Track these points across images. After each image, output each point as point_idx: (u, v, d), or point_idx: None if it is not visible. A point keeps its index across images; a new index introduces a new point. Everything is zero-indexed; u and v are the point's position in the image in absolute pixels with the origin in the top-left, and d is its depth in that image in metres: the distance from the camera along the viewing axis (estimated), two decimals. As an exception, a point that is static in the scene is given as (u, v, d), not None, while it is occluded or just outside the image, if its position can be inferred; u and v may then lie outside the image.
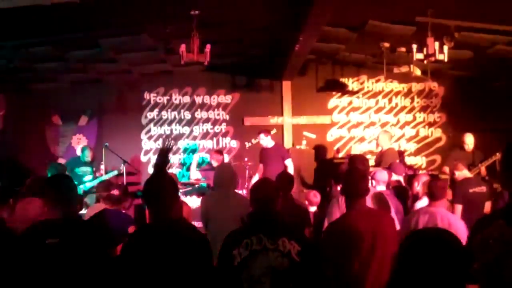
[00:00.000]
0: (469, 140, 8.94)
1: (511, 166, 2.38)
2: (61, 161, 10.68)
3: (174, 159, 11.32)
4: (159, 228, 3.41)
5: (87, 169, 9.90)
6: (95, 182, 9.14)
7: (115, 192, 5.91)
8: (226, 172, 5.83)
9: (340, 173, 5.42)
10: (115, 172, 9.64)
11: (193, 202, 8.87)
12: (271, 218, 3.50)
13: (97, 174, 9.79)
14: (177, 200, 3.63)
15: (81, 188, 9.12)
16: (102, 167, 9.99)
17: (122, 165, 9.72)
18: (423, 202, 6.47)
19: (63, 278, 3.43)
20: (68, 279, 3.44)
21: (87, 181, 9.41)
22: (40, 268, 3.45)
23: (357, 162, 6.17)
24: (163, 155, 5.39)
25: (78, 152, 10.54)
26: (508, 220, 2.20)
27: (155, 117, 11.57)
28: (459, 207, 6.77)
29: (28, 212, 4.89)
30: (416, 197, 6.72)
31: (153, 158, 11.39)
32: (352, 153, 10.89)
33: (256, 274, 3.29)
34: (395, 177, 7.32)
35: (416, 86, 11.47)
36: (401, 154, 10.83)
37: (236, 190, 6.34)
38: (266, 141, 9.65)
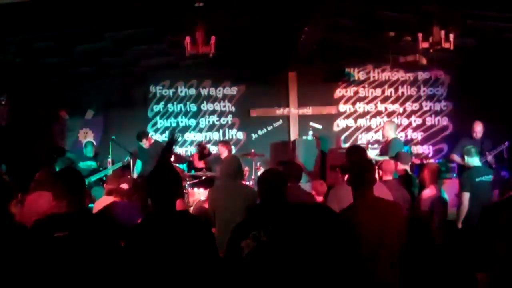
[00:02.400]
0: (478, 128, 8.96)
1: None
2: (69, 155, 10.72)
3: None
4: (162, 220, 3.42)
5: (92, 163, 9.98)
6: (100, 175, 9.22)
7: (125, 185, 5.92)
8: (233, 163, 5.83)
9: (347, 164, 5.39)
10: (119, 164, 9.68)
11: (200, 194, 8.89)
12: (279, 210, 3.50)
13: (102, 168, 9.84)
14: (181, 192, 3.63)
15: (87, 180, 9.16)
16: (109, 160, 10.03)
17: (128, 157, 9.75)
18: (430, 191, 6.49)
19: (72, 271, 3.46)
20: (76, 272, 3.46)
21: (93, 174, 9.46)
22: (49, 262, 3.47)
23: (355, 153, 6.08)
24: (169, 147, 5.40)
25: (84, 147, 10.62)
26: None
27: (161, 110, 11.60)
28: (466, 195, 6.79)
29: (37, 206, 4.92)
30: (423, 186, 6.72)
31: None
32: (359, 143, 10.89)
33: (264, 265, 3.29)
34: (401, 166, 7.31)
35: (422, 75, 11.43)
36: (408, 143, 10.83)
37: (243, 182, 6.36)
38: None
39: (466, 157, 7.25)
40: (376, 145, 10.27)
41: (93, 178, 9.31)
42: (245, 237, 3.34)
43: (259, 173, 9.87)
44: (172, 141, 6.93)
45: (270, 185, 3.59)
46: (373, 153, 9.07)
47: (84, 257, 3.47)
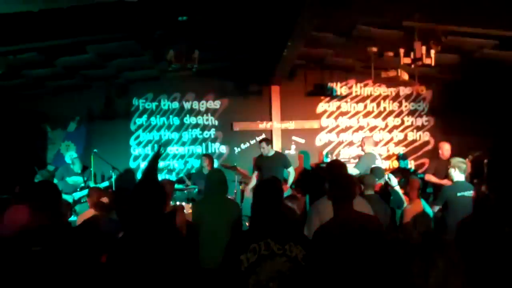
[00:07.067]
0: (445, 148, 9.11)
1: (496, 172, 2.40)
2: (50, 168, 10.65)
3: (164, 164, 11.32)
4: (146, 235, 3.39)
5: (78, 179, 9.86)
6: (85, 193, 9.15)
7: (105, 199, 5.89)
8: (217, 177, 5.81)
9: (328, 178, 5.41)
10: (107, 183, 9.64)
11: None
12: (279, 223, 3.48)
13: (88, 183, 9.76)
14: (164, 206, 3.60)
15: (71, 197, 9.10)
16: (91, 173, 9.97)
17: (111, 172, 9.69)
18: (412, 205, 6.53)
19: (47, 285, 3.41)
20: (52, 286, 3.41)
21: (78, 191, 9.39)
22: (25, 275, 3.42)
23: (335, 168, 6.15)
24: (152, 162, 5.36)
25: (67, 160, 10.51)
26: None
27: (144, 123, 11.55)
28: (435, 208, 6.91)
29: (16, 219, 4.86)
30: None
31: (142, 164, 11.38)
32: (341, 157, 10.94)
33: (263, 279, 3.24)
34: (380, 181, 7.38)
35: (404, 90, 11.52)
36: (389, 158, 10.85)
37: (227, 196, 6.34)
38: (267, 150, 9.80)
39: (455, 171, 7.12)
40: (357, 160, 10.30)
41: (78, 195, 9.23)
42: (245, 251, 3.29)
43: (241, 187, 9.87)
44: (158, 155, 6.90)
45: (267, 197, 3.56)
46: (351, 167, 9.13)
47: (60, 271, 3.43)
